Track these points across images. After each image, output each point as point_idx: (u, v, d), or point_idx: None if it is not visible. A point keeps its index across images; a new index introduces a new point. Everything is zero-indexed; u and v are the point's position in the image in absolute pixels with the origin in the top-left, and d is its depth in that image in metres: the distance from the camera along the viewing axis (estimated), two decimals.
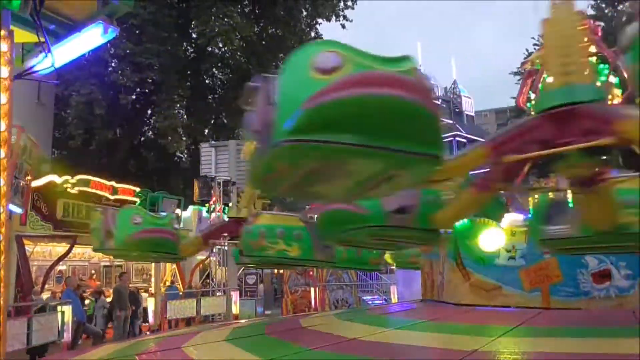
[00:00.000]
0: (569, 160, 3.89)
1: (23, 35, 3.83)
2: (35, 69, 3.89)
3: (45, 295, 12.56)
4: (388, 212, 4.86)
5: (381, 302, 17.57)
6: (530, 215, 5.44)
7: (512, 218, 8.15)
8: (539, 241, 5.29)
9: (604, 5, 21.98)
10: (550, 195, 5.12)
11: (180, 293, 15.51)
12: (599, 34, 11.63)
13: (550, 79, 4.19)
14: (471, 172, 4.59)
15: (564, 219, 4.65)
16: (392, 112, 2.51)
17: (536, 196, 5.35)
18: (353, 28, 28.17)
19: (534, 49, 22.12)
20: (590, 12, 21.24)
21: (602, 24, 11.87)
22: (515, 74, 27.18)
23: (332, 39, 2.74)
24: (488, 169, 4.24)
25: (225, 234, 10.21)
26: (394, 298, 16.15)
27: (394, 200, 4.86)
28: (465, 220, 8.78)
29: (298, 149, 2.53)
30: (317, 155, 2.63)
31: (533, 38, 24.43)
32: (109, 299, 13.33)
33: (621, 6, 21.94)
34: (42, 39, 3.61)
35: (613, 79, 10.37)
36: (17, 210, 10.16)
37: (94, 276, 17.04)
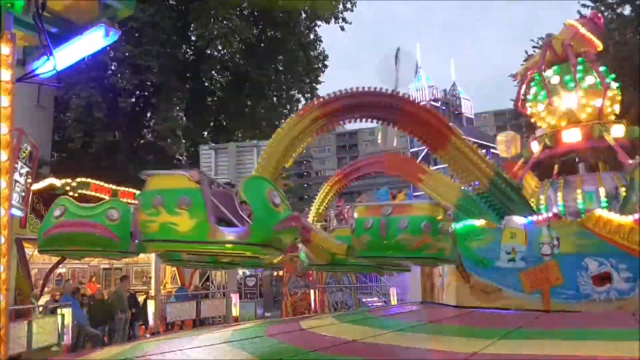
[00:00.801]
0: None
1: (25, 38, 3.83)
2: (37, 72, 3.89)
3: (45, 298, 12.56)
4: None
5: (381, 304, 17.55)
6: None
7: (512, 220, 8.16)
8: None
9: (603, 8, 22.03)
10: None
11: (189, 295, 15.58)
12: (602, 25, 11.70)
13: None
14: None
15: None
16: None
17: None
18: (352, 29, 28.28)
19: (534, 51, 22.14)
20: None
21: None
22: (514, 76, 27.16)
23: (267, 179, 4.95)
24: None
25: None
26: (394, 300, 16.14)
27: None
28: (466, 222, 8.82)
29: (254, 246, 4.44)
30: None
31: (532, 40, 24.45)
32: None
33: (620, 9, 21.99)
34: (44, 42, 3.60)
35: (592, 80, 10.44)
36: (17, 213, 10.15)
37: (93, 279, 17.00)
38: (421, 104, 8.67)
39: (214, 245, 4.60)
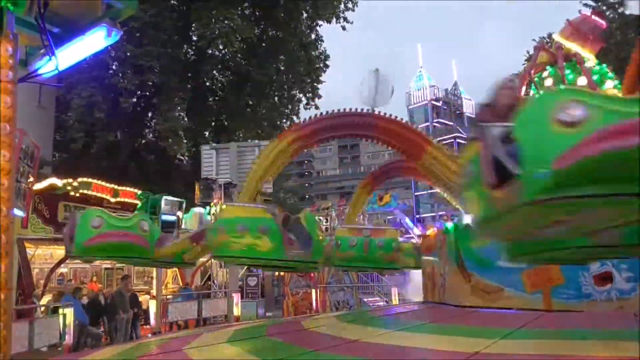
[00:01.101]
0: None
1: (27, 38, 3.83)
2: (39, 72, 3.89)
3: (47, 298, 12.58)
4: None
5: (382, 304, 17.56)
6: None
7: None
8: None
9: (605, 8, 22.02)
10: None
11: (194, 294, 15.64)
12: (601, 24, 11.68)
13: None
14: None
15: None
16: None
17: None
18: (354, 29, 28.25)
19: None
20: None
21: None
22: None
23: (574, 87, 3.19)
24: None
25: None
26: (395, 300, 16.15)
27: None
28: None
29: (551, 205, 2.70)
30: (570, 209, 2.79)
31: (534, 40, 24.45)
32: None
33: (622, 9, 21.98)
34: (46, 42, 3.60)
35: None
36: (19, 213, 10.17)
37: (94, 279, 17.02)
38: (394, 118, 8.97)
39: (287, 261, 6.36)
